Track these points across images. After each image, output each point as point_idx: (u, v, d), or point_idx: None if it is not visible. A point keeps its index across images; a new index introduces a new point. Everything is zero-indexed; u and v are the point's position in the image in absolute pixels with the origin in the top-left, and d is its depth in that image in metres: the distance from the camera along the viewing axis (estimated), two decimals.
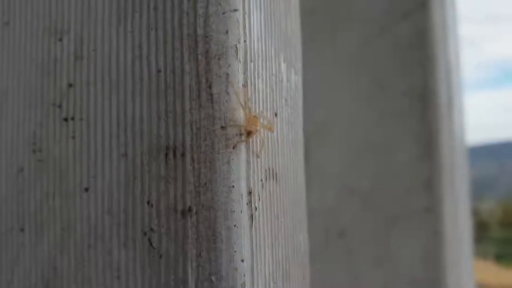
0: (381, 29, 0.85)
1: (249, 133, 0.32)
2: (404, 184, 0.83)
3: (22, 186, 0.37)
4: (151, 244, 0.33)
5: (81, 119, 0.36)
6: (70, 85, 0.36)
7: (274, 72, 0.36)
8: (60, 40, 0.37)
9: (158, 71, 0.33)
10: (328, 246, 0.87)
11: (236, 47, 0.32)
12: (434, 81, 0.82)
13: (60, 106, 0.36)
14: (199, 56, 0.32)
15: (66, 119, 0.36)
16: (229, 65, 0.32)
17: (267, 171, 0.35)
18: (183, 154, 0.32)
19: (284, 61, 0.38)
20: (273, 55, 0.36)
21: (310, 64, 0.88)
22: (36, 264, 0.37)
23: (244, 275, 0.32)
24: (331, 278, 0.87)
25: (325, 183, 0.87)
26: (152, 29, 0.33)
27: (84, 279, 0.35)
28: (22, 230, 0.37)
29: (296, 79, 0.40)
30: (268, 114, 0.35)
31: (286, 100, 0.38)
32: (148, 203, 0.33)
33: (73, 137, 0.36)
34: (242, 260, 0.32)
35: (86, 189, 0.35)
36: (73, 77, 0.36)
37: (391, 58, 0.84)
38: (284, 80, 0.38)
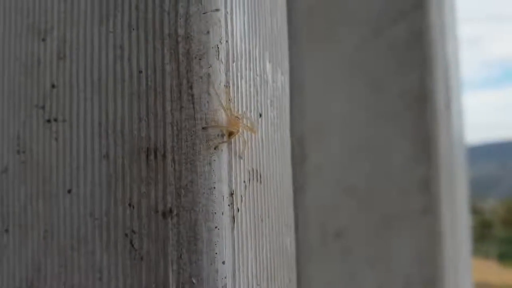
0: (378, 30, 0.84)
1: (230, 134, 0.32)
2: (401, 185, 0.83)
3: (6, 187, 0.37)
4: (132, 246, 0.32)
5: (63, 120, 0.35)
6: (53, 86, 0.36)
7: (258, 73, 0.36)
8: (44, 40, 0.37)
9: (139, 71, 0.33)
10: (325, 246, 0.87)
11: (218, 47, 0.32)
12: (432, 82, 0.82)
13: (43, 107, 0.36)
14: (180, 57, 0.32)
15: (49, 121, 0.36)
16: (210, 66, 0.32)
17: (251, 172, 0.34)
18: (164, 155, 0.32)
19: (270, 61, 0.37)
20: (257, 56, 0.36)
21: (307, 65, 0.88)
22: (20, 265, 0.36)
23: (225, 277, 0.31)
24: (327, 278, 0.87)
25: (322, 183, 0.87)
26: (133, 29, 0.33)
27: (67, 280, 0.35)
28: (7, 231, 0.37)
29: (283, 80, 0.39)
30: (252, 115, 0.35)
31: (271, 101, 0.37)
32: (129, 204, 0.33)
33: (56, 139, 0.36)
34: (223, 262, 0.31)
35: (69, 191, 0.35)
36: (56, 77, 0.36)
37: (388, 59, 0.84)
38: (270, 80, 0.37)
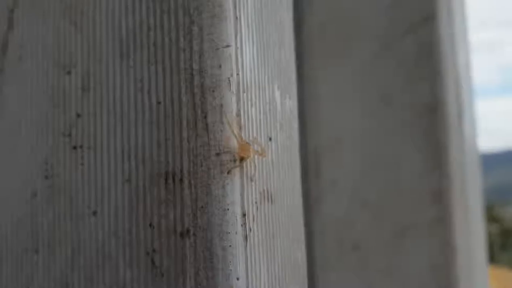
0: (388, 43, 0.86)
1: (242, 159, 0.35)
2: (414, 196, 0.84)
3: (35, 210, 0.40)
4: (153, 263, 0.35)
5: (88, 147, 0.38)
6: (78, 115, 0.39)
7: (267, 100, 0.38)
8: (69, 73, 0.40)
9: (158, 102, 0.36)
10: (342, 259, 0.88)
11: (229, 80, 0.35)
12: (443, 93, 0.83)
13: (69, 135, 0.39)
14: (195, 89, 0.35)
15: (75, 147, 0.39)
16: (223, 97, 0.34)
17: (262, 193, 0.37)
18: (181, 180, 0.35)
19: (278, 89, 0.40)
20: (266, 84, 0.38)
21: (320, 81, 0.90)
22: (49, 283, 0.39)
23: None
24: None
25: (337, 196, 0.89)
26: (152, 64, 0.36)
27: None
28: (36, 251, 0.40)
29: (291, 104, 0.42)
30: (262, 139, 0.37)
31: (280, 124, 0.40)
32: (150, 225, 0.35)
33: (82, 164, 0.38)
34: (238, 278, 0.34)
35: (94, 213, 0.38)
36: (81, 107, 0.39)
37: (399, 72, 0.85)
38: (278, 106, 0.40)
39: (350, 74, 0.88)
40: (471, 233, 0.89)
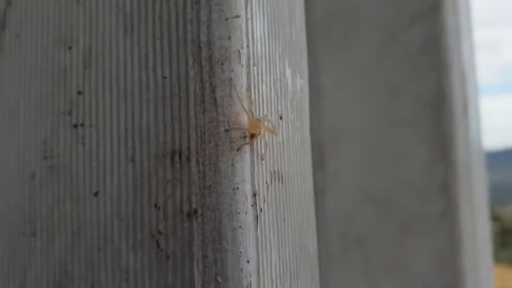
0: (394, 35, 0.85)
1: (252, 136, 0.33)
2: (420, 190, 0.83)
3: (34, 192, 0.38)
4: (158, 246, 0.33)
5: (90, 125, 0.36)
6: (79, 93, 0.37)
7: (278, 77, 0.37)
8: (70, 48, 0.38)
9: (164, 77, 0.34)
10: (344, 253, 0.87)
11: (239, 52, 0.33)
12: (448, 86, 0.82)
13: (70, 113, 0.37)
14: (203, 62, 0.33)
15: (76, 126, 0.37)
16: (232, 70, 0.33)
17: (273, 174, 0.35)
18: (188, 158, 0.33)
19: (289, 66, 0.38)
20: (277, 60, 0.37)
21: (324, 71, 0.89)
22: (48, 268, 0.37)
23: (250, 276, 0.32)
24: (347, 285, 0.87)
25: (341, 189, 0.87)
26: (157, 39, 0.34)
27: (94, 281, 0.35)
28: (34, 234, 0.38)
29: (302, 83, 0.40)
30: (273, 117, 0.36)
31: (291, 103, 0.38)
32: (155, 206, 0.34)
33: (83, 143, 0.37)
34: (248, 261, 0.32)
35: (96, 194, 0.36)
36: (82, 85, 0.37)
37: (404, 63, 0.84)
38: (289, 84, 0.38)
39: (354, 66, 0.87)
40: (477, 228, 0.87)
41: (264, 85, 0.35)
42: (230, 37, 0.33)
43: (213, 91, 0.33)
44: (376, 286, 0.84)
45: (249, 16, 0.34)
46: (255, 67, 0.34)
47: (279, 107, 0.37)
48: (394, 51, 0.84)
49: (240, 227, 0.32)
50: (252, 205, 0.33)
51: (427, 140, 0.82)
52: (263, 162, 0.34)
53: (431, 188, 0.82)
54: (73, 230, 0.37)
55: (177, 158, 0.33)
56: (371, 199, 0.85)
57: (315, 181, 0.90)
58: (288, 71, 0.38)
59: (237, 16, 0.33)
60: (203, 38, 0.33)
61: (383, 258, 0.84)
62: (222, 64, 0.33)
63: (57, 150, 0.38)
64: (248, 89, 0.33)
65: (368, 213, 0.85)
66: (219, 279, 0.32)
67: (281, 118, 0.37)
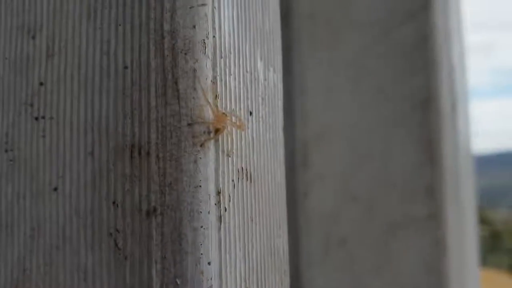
0: (382, 34, 0.84)
1: (217, 131, 0.31)
2: (405, 191, 0.82)
3: None
4: (116, 245, 0.32)
5: (51, 118, 0.35)
6: (41, 84, 0.35)
7: (248, 70, 0.35)
8: (33, 37, 0.36)
9: (125, 67, 0.32)
10: (328, 254, 0.86)
11: (204, 42, 0.31)
12: (436, 87, 0.81)
13: (31, 105, 0.36)
14: (166, 51, 0.31)
15: (37, 118, 0.35)
16: (196, 60, 0.31)
17: (240, 171, 0.34)
18: (148, 153, 0.31)
19: (261, 59, 0.37)
20: (247, 52, 0.35)
21: (310, 70, 0.87)
22: (5, 265, 0.36)
23: (211, 279, 0.31)
24: (331, 286, 0.86)
25: (325, 189, 0.86)
26: (120, 24, 0.33)
27: (52, 280, 0.34)
28: None
29: (275, 78, 0.39)
30: (242, 112, 0.34)
31: (263, 99, 0.37)
32: (113, 203, 0.32)
33: (43, 136, 0.35)
34: (209, 263, 0.31)
35: (55, 189, 0.34)
36: (44, 75, 0.35)
37: (392, 63, 0.83)
38: (261, 78, 0.36)
39: (340, 65, 0.85)
40: (464, 231, 0.86)
41: (232, 78, 0.33)
42: (194, 26, 0.31)
43: (176, 82, 0.31)
44: (361, 287, 0.83)
45: (216, 4, 0.32)
46: (222, 59, 0.32)
47: (249, 101, 0.35)
48: (382, 51, 0.83)
49: (201, 227, 0.30)
50: (215, 204, 0.31)
51: (414, 141, 0.81)
52: (229, 158, 0.33)
53: (417, 189, 0.81)
54: (32, 227, 0.35)
55: (136, 152, 0.31)
56: (356, 199, 0.84)
57: (299, 181, 0.89)
58: (259, 64, 0.36)
59: (203, 4, 0.31)
60: (166, 26, 0.31)
61: (368, 260, 0.83)
62: (186, 54, 0.31)
63: (18, 143, 0.36)
64: (214, 82, 0.32)
65: (353, 214, 0.84)
66: (178, 281, 0.30)
67: (251, 113, 0.35)
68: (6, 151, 0.37)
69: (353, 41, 0.85)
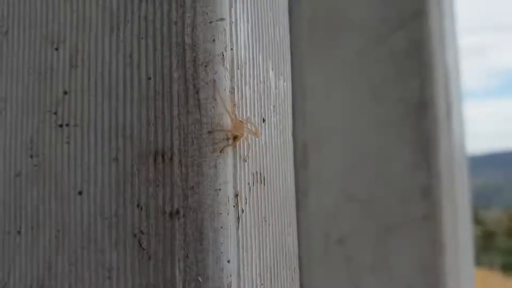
0: (378, 38, 0.86)
1: (235, 138, 0.33)
2: (402, 191, 0.83)
3: (19, 190, 0.39)
4: (140, 245, 0.34)
5: (75, 125, 0.37)
6: (65, 93, 0.37)
7: (262, 79, 0.37)
8: (57, 49, 0.38)
9: (148, 78, 0.34)
10: (327, 253, 0.88)
11: (223, 55, 0.33)
12: (431, 90, 0.83)
13: (55, 113, 0.38)
14: (187, 64, 0.33)
15: (61, 125, 0.37)
16: (216, 72, 0.33)
17: (255, 175, 0.36)
18: (171, 158, 0.33)
19: (272, 69, 0.39)
20: (260, 63, 0.37)
21: (309, 73, 0.89)
22: (31, 265, 0.38)
23: (230, 276, 0.33)
24: (329, 285, 0.88)
25: (324, 190, 0.88)
26: (142, 38, 0.35)
27: (77, 279, 0.36)
28: (19, 232, 0.38)
29: (285, 86, 0.41)
30: (256, 119, 0.36)
31: (274, 106, 0.39)
32: (138, 205, 0.34)
33: (68, 143, 0.37)
34: (228, 261, 0.33)
35: (80, 193, 0.36)
36: (68, 84, 0.37)
37: (388, 66, 0.85)
38: (272, 87, 0.39)
39: (339, 68, 0.87)
40: (459, 231, 0.88)
41: (247, 88, 0.35)
42: (214, 40, 0.33)
43: (197, 93, 0.33)
44: (358, 286, 0.85)
45: (233, 19, 0.34)
46: (239, 70, 0.34)
47: (262, 109, 0.37)
48: (378, 54, 0.85)
49: (221, 227, 0.33)
50: (233, 206, 0.33)
51: (410, 142, 0.83)
52: (246, 163, 0.35)
53: (414, 190, 0.82)
54: (57, 229, 0.37)
55: (160, 158, 0.34)
56: (354, 200, 0.86)
57: (299, 181, 0.90)
58: (271, 74, 0.39)
59: (222, 19, 0.33)
60: (188, 40, 0.33)
61: (366, 259, 0.85)
62: (206, 66, 0.33)
63: (42, 149, 0.38)
64: (232, 92, 0.34)
65: (351, 213, 0.86)
66: (200, 278, 0.32)
67: (264, 120, 0.37)
68: (32, 156, 0.39)
69: (351, 45, 0.87)
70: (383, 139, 0.84)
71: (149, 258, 0.34)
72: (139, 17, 0.35)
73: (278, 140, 0.39)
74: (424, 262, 0.82)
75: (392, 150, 0.84)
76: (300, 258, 0.90)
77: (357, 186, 0.86)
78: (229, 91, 0.34)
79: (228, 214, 0.33)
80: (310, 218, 0.88)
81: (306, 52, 0.89)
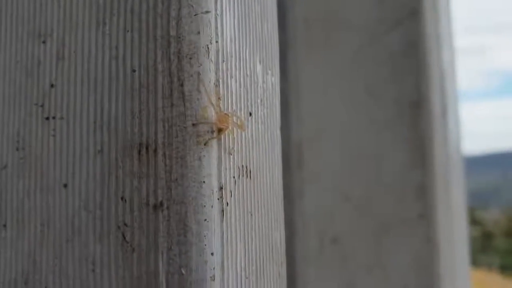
0: (374, 38, 0.86)
1: (220, 131, 0.33)
2: (397, 191, 0.83)
3: (5, 183, 0.39)
4: (124, 238, 0.34)
5: (61, 118, 0.37)
6: (52, 86, 0.37)
7: (248, 73, 0.37)
8: (44, 42, 0.38)
9: (133, 70, 0.34)
10: (322, 252, 0.88)
11: (208, 47, 0.33)
12: (427, 89, 0.83)
13: (42, 106, 0.38)
14: (172, 56, 0.33)
15: (47, 118, 0.37)
16: (201, 64, 0.33)
17: (241, 168, 0.36)
18: (155, 151, 0.33)
19: (260, 63, 0.39)
20: (247, 56, 0.37)
21: (304, 73, 0.89)
22: (16, 259, 0.38)
23: (214, 268, 0.33)
24: (324, 284, 0.88)
25: (319, 189, 0.88)
26: (128, 31, 0.35)
27: (62, 272, 0.36)
28: (4, 225, 0.38)
29: (273, 81, 0.41)
30: (242, 113, 0.36)
31: (261, 100, 0.39)
32: (122, 198, 0.34)
33: (54, 135, 0.37)
34: (212, 254, 0.33)
35: (65, 185, 0.36)
36: (55, 77, 0.37)
37: (384, 66, 0.85)
38: (260, 81, 0.39)
39: (334, 68, 0.87)
40: (454, 231, 0.88)
41: (233, 81, 0.35)
42: (199, 32, 0.33)
43: (181, 85, 0.33)
44: (354, 285, 0.85)
45: (219, 12, 0.34)
46: (224, 63, 0.34)
47: (249, 103, 0.37)
48: (374, 54, 0.85)
49: (205, 220, 0.33)
50: (218, 199, 0.33)
51: (406, 142, 0.83)
52: (231, 156, 0.35)
53: (409, 190, 0.82)
54: (42, 222, 0.37)
55: (144, 150, 0.33)
56: (349, 199, 0.86)
57: (294, 180, 0.90)
58: (258, 68, 0.38)
59: (207, 12, 0.33)
60: (173, 32, 0.33)
61: (361, 258, 0.85)
62: (191, 59, 0.33)
63: (28, 141, 0.38)
64: (217, 84, 0.34)
65: (346, 213, 0.86)
66: (183, 270, 0.32)
67: (250, 114, 0.37)
68: (17, 149, 0.38)
69: (347, 45, 0.87)
70: (379, 139, 0.84)
71: (133, 250, 0.33)
72: (125, 10, 0.35)
73: (266, 134, 0.39)
74: (419, 261, 0.82)
75: (387, 150, 0.84)
76: (295, 257, 0.90)
77: (352, 185, 0.86)
78: (214, 83, 0.34)
79: (212, 206, 0.33)
80: (306, 217, 0.88)
81: (302, 51, 0.89)
